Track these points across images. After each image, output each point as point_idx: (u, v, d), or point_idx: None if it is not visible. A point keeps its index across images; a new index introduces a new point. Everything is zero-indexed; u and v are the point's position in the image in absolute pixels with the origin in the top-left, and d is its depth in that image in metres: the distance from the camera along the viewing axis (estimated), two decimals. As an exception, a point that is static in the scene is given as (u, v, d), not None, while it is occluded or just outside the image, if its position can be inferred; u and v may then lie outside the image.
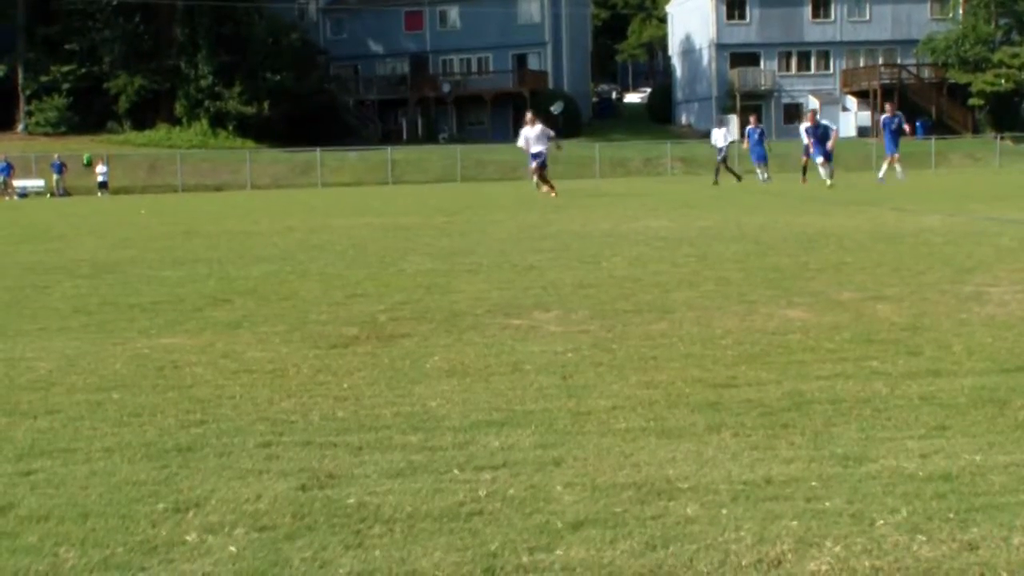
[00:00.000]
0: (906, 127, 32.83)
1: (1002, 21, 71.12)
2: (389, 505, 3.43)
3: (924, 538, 3.04)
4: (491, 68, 76.30)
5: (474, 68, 77.01)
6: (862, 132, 70.90)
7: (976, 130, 70.58)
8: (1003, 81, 69.45)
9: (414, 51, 77.29)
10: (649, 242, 13.10)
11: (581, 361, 5.76)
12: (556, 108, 69.12)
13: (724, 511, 3.30)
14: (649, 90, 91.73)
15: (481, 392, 5.07)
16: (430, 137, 72.70)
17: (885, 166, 32.25)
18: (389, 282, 9.52)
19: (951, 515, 3.21)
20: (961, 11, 72.18)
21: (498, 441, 4.19)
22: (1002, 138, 64.45)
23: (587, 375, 5.40)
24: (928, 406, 4.58)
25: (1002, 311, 7.11)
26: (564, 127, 70.99)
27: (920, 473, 3.64)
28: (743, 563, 2.89)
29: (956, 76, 70.87)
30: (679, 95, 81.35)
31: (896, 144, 31.94)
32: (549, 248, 12.60)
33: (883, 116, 33.11)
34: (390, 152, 59.47)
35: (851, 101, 75.28)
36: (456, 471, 3.80)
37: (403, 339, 6.59)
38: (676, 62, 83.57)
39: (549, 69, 75.82)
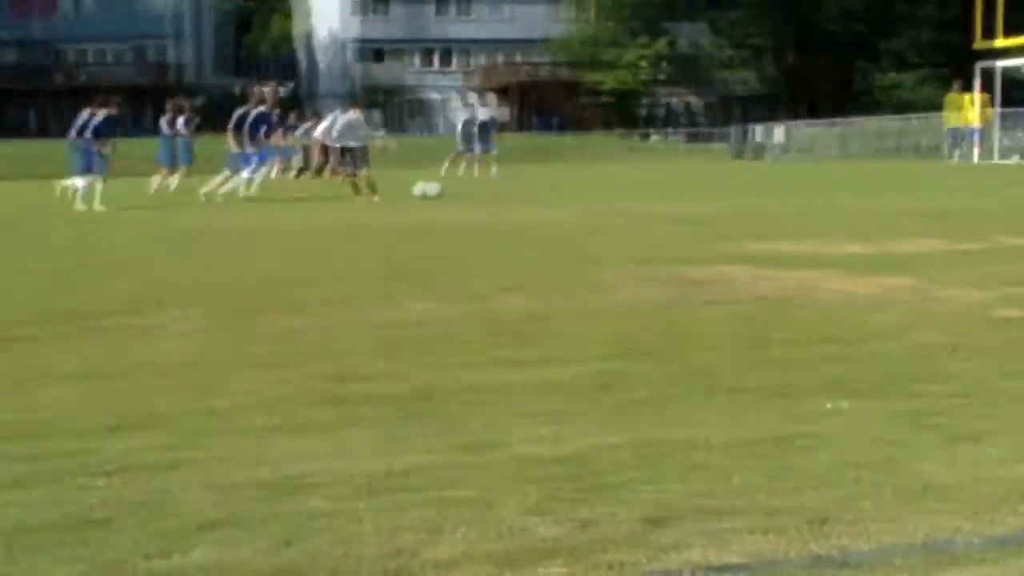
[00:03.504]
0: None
1: (621, 24, 75.06)
2: (2, 518, 3.24)
3: (547, 519, 3.15)
4: (118, 59, 73.43)
5: (99, 59, 73.86)
6: (499, 128, 72.84)
7: (603, 127, 74.04)
8: (628, 80, 73.46)
9: (35, 40, 73.21)
10: (279, 238, 13.00)
11: (209, 360, 5.64)
12: (196, 102, 67.15)
13: (354, 505, 3.31)
14: (288, 84, 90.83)
15: (103, 395, 4.88)
16: (59, 131, 69.18)
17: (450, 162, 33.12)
18: (8, 284, 9.01)
19: (570, 496, 3.35)
20: (592, 13, 75.71)
21: (121, 445, 4.03)
22: (621, 135, 68.05)
23: (215, 374, 5.28)
24: (550, 392, 4.76)
25: (616, 299, 7.50)
26: (199, 122, 69.30)
27: (543, 457, 3.78)
28: (372, 554, 2.91)
29: (585, 74, 74.29)
30: (312, 89, 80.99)
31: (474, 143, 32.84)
32: (179, 245, 12.29)
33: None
34: None
35: (491, 97, 77.23)
36: (76, 478, 3.63)
37: (21, 342, 6.24)
38: (310, 56, 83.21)
39: (180, 62, 73.83)
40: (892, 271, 8.54)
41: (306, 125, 34.14)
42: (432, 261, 10.09)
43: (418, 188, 20.80)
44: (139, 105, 66.51)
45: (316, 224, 15.24)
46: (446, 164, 32.45)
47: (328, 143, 22.93)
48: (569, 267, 9.37)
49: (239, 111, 22.72)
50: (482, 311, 7.10)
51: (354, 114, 22.86)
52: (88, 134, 19.34)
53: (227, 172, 22.20)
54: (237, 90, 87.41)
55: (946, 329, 6.02)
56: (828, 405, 4.41)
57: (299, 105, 76.99)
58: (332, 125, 22.62)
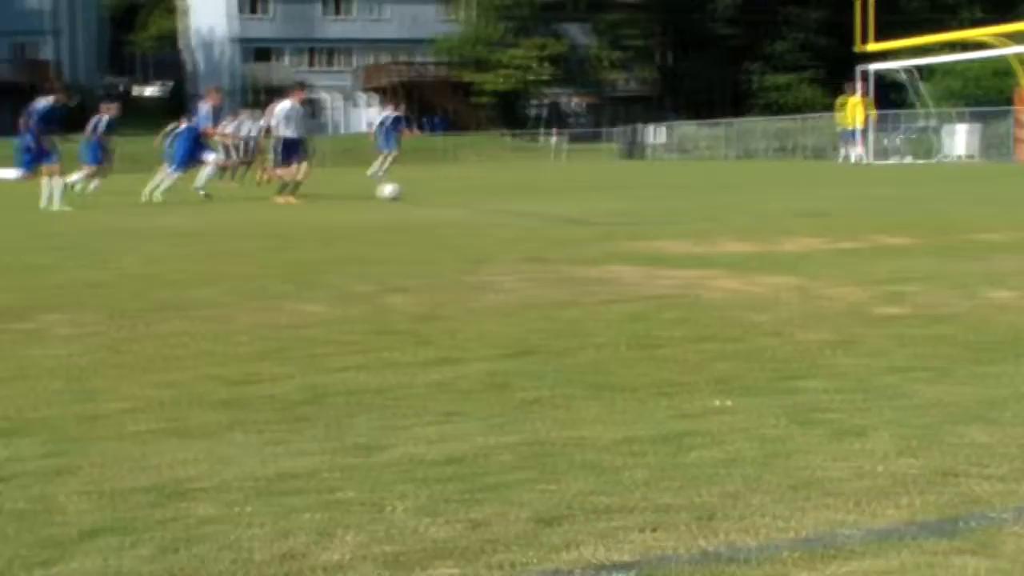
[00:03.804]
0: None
1: (505, 24, 75.46)
2: None
3: (438, 520, 3.14)
4: (-6, 56, 71.71)
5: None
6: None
7: (484, 127, 74.34)
8: (507, 81, 73.85)
9: None
10: (165, 239, 12.80)
11: (92, 364, 5.53)
12: (71, 101, 65.89)
13: (241, 509, 3.27)
14: (169, 83, 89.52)
15: (-17, 401, 4.75)
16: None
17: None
18: None
19: (461, 496, 3.34)
20: (472, 13, 75.98)
21: (2, 452, 3.93)
22: (506, 135, 68.44)
23: (99, 378, 5.18)
24: (440, 393, 4.75)
25: (505, 299, 7.51)
26: (80, 121, 67.88)
27: (433, 458, 3.77)
28: (260, 559, 2.88)
29: (466, 75, 74.51)
30: (197, 88, 79.92)
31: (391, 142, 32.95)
32: (60, 247, 12.03)
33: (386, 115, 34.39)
34: None
35: (369, 98, 77.02)
36: (-43, 487, 3.54)
37: None
38: (193, 55, 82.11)
39: (58, 59, 72.21)
40: (777, 270, 8.69)
41: (236, 121, 33.82)
42: (321, 262, 10.01)
43: (387, 190, 20.18)
44: (16, 104, 64.87)
45: (202, 225, 15.05)
46: (381, 165, 32.27)
47: (279, 134, 22.15)
48: (460, 267, 9.37)
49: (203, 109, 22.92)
50: (372, 312, 7.07)
51: (294, 102, 21.92)
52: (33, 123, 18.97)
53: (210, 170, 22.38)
54: (122, 88, 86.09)
55: (831, 327, 6.14)
56: (716, 402, 4.47)
57: (183, 104, 76.15)
58: (279, 115, 21.86)
